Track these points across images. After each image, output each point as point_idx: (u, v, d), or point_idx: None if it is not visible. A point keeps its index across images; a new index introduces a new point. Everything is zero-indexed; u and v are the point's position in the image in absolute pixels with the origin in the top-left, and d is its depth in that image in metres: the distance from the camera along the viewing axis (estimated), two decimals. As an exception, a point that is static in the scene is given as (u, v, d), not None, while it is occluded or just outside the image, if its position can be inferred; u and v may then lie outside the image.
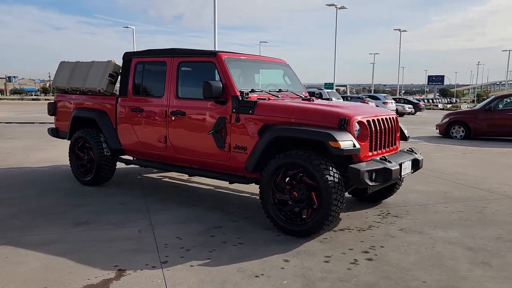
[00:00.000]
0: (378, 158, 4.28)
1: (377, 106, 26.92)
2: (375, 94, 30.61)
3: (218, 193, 6.07)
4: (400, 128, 5.21)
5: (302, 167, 4.14)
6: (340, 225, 4.64)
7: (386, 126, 4.68)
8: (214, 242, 4.08)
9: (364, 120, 4.34)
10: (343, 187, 4.11)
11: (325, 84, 36.93)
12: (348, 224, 4.68)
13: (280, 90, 5.43)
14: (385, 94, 33.57)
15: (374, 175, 4.09)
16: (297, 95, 5.49)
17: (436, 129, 15.05)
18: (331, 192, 3.98)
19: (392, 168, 4.19)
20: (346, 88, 74.70)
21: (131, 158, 6.18)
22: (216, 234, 4.30)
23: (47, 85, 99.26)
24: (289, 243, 4.07)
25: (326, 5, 33.54)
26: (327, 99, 6.12)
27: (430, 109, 42.59)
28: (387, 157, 4.34)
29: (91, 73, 6.27)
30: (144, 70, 5.75)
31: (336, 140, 3.98)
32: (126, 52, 5.98)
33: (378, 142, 4.53)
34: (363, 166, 4.03)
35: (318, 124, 4.28)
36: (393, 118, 4.90)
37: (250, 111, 4.68)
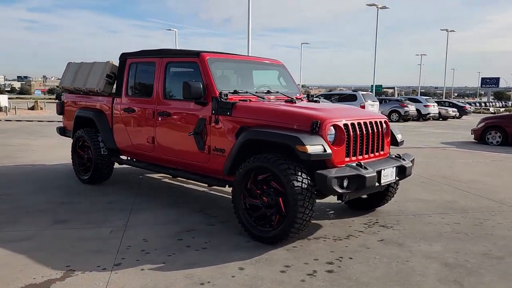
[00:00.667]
0: (354, 164, 4.04)
1: (417, 109, 26.08)
2: (415, 97, 29.43)
3: (210, 195, 6.00)
4: (392, 133, 4.93)
5: (270, 172, 3.99)
6: (318, 233, 4.44)
7: (370, 131, 4.42)
8: (178, 245, 4.01)
9: (341, 124, 4.12)
10: (313, 194, 3.91)
11: (373, 86, 35.92)
12: (327, 233, 4.47)
13: (268, 92, 5.29)
14: (427, 97, 32.17)
15: (345, 182, 3.87)
16: (288, 97, 5.31)
17: (472, 134, 14.23)
18: (297, 199, 3.80)
19: (367, 175, 3.94)
20: (394, 90, 72.57)
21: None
22: (185, 238, 4.23)
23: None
24: (255, 250, 3.93)
25: (367, 5, 32.70)
26: (315, 101, 5.80)
27: (479, 112, 40.39)
28: (363, 163, 4.09)
29: (91, 73, 6.41)
30: (137, 71, 5.80)
31: (303, 144, 3.80)
32: (123, 53, 6.05)
33: (359, 147, 4.29)
34: (331, 172, 3.82)
35: (291, 127, 4.12)
36: (380, 122, 4.62)
37: (228, 113, 4.59)
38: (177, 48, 42.86)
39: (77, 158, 6.64)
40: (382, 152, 4.63)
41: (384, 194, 5.13)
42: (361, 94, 21.31)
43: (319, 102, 5.66)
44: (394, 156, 4.69)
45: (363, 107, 18.50)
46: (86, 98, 6.65)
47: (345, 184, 3.88)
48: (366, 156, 4.39)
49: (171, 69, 5.36)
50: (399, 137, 5.00)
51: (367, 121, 4.42)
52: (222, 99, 4.62)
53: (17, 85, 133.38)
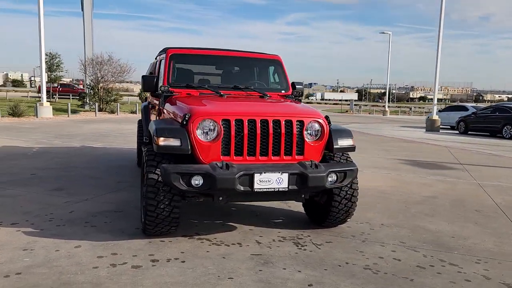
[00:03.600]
0: (221, 163, 3.67)
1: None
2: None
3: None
4: (330, 137, 4.12)
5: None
6: (206, 234, 4.16)
7: (266, 131, 3.87)
8: (80, 220, 4.47)
9: (217, 119, 3.80)
10: (166, 194, 3.76)
11: None
12: (218, 236, 4.14)
13: (235, 87, 5.12)
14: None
15: (197, 179, 3.58)
16: (261, 93, 5.03)
17: None
18: (147, 191, 3.77)
19: (217, 176, 3.55)
20: None
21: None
22: (92, 219, 4.52)
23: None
24: (122, 236, 4.03)
25: None
26: (298, 99, 5.19)
27: None
28: (236, 164, 3.68)
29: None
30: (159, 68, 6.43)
31: (156, 136, 3.74)
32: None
33: (247, 146, 3.84)
34: (173, 168, 3.61)
35: (177, 120, 4.08)
36: (289, 122, 3.94)
37: (163, 106, 4.78)
38: (390, 50, 40.99)
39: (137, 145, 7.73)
40: (289, 157, 3.96)
41: (327, 208, 4.34)
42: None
43: (297, 100, 5.13)
44: (305, 163, 3.89)
45: None
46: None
47: (195, 182, 3.59)
48: (262, 157, 3.88)
49: (160, 66, 5.75)
50: (340, 142, 4.14)
51: (268, 119, 3.88)
52: (163, 93, 4.82)
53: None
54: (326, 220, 4.47)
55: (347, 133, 4.27)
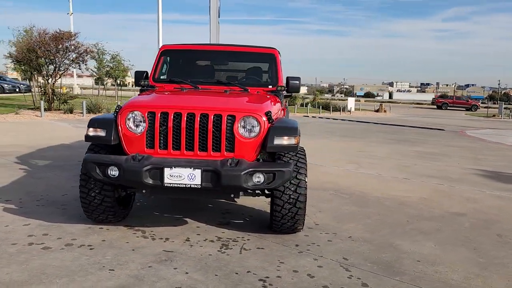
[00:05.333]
0: (134, 155, 3.66)
1: None
2: None
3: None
4: (267, 135, 3.78)
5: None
6: (150, 228, 4.17)
7: (193, 125, 3.73)
8: (55, 204, 4.90)
9: (144, 112, 3.81)
10: (97, 182, 3.89)
11: None
12: (153, 230, 4.13)
13: (218, 82, 5.06)
14: None
15: (108, 169, 3.65)
16: (243, 88, 4.90)
17: None
18: (80, 179, 3.98)
19: (125, 168, 3.56)
20: None
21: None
22: (72, 203, 4.86)
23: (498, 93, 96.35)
24: (80, 221, 4.29)
25: None
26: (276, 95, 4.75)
27: None
28: (150, 157, 3.66)
29: None
30: None
31: (87, 127, 3.92)
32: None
33: (171, 140, 3.77)
34: (90, 157, 3.74)
35: None
36: (218, 117, 3.73)
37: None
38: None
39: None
40: (217, 153, 3.74)
41: (271, 213, 4.01)
42: None
43: (274, 96, 4.84)
44: (234, 160, 3.63)
45: None
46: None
47: (111, 172, 3.66)
48: (188, 152, 3.77)
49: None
50: (276, 141, 3.75)
51: (195, 113, 3.74)
52: (142, 87, 5.01)
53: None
54: (272, 226, 4.11)
55: (289, 131, 3.85)
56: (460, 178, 7.47)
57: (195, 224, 4.38)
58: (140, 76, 5.22)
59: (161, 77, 5.23)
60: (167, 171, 3.57)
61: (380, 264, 3.57)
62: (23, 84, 30.57)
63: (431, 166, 8.61)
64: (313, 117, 25.15)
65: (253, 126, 3.80)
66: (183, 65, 5.50)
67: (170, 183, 3.59)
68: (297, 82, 5.14)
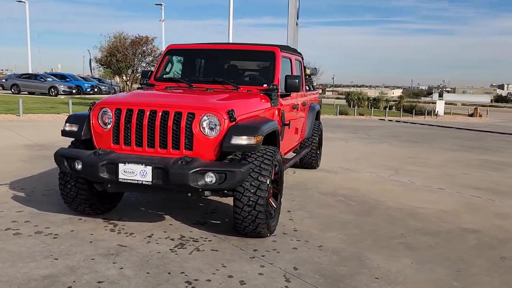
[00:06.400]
0: (96, 151, 3.79)
1: None
2: None
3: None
4: (227, 134, 3.69)
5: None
6: (124, 222, 4.28)
7: (153, 123, 3.77)
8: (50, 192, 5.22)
9: (112, 108, 3.94)
10: (74, 176, 4.07)
11: None
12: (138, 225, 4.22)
13: (214, 80, 5.06)
14: None
15: (75, 163, 3.82)
16: (234, 86, 4.86)
17: None
18: (59, 171, 4.21)
19: (84, 162, 3.71)
20: None
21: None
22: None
23: None
24: (65, 211, 4.53)
25: None
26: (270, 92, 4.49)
27: None
28: (111, 152, 3.78)
29: None
30: None
31: (65, 122, 4.15)
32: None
33: (134, 136, 3.84)
34: (60, 150, 3.97)
35: None
36: (178, 114, 3.72)
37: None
38: None
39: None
40: (176, 151, 3.73)
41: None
42: None
43: (263, 95, 4.72)
44: (185, 158, 3.59)
45: None
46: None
47: (78, 166, 3.83)
48: (149, 149, 3.82)
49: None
50: (234, 140, 3.64)
51: (157, 110, 3.78)
52: (141, 85, 5.19)
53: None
54: (236, 229, 3.97)
55: (249, 130, 3.71)
56: (509, 192, 6.56)
57: (170, 221, 4.40)
58: (145, 76, 5.39)
59: (164, 76, 5.35)
60: (121, 166, 3.65)
61: (330, 278, 3.27)
62: (117, 86, 33.36)
63: (483, 177, 7.68)
64: (389, 120, 23.92)
65: (214, 125, 3.73)
66: (186, 64, 5.58)
67: (124, 179, 3.66)
68: (296, 81, 4.92)
